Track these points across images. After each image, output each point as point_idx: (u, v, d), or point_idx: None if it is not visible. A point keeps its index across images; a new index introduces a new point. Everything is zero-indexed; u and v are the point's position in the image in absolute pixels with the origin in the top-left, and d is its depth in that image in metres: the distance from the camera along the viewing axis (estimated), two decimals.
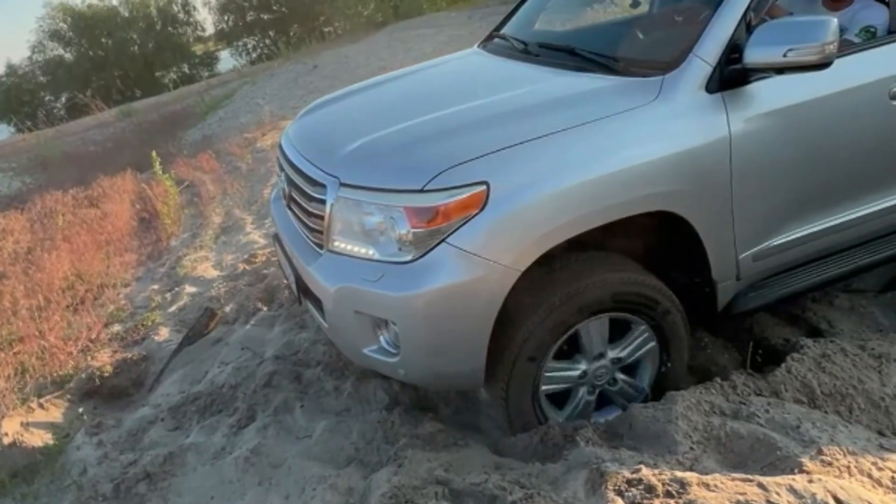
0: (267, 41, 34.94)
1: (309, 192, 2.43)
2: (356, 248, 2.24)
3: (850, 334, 2.89)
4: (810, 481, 1.78)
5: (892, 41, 2.60)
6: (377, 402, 2.80)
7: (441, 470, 2.26)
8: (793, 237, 2.57)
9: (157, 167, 7.82)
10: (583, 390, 2.46)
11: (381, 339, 2.27)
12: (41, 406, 3.48)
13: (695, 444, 2.18)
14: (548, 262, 2.21)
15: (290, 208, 2.72)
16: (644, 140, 2.22)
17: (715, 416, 2.30)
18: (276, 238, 2.91)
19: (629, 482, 1.83)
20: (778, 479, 1.80)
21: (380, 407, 2.75)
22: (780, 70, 2.22)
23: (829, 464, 1.97)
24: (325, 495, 2.27)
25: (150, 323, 4.30)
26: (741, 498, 1.73)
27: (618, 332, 2.43)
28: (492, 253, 2.06)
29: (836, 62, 2.36)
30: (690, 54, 2.31)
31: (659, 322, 2.39)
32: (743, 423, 2.23)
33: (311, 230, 2.43)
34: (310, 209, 2.42)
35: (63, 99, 36.86)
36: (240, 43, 36.42)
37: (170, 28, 38.92)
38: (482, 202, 2.06)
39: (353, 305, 2.22)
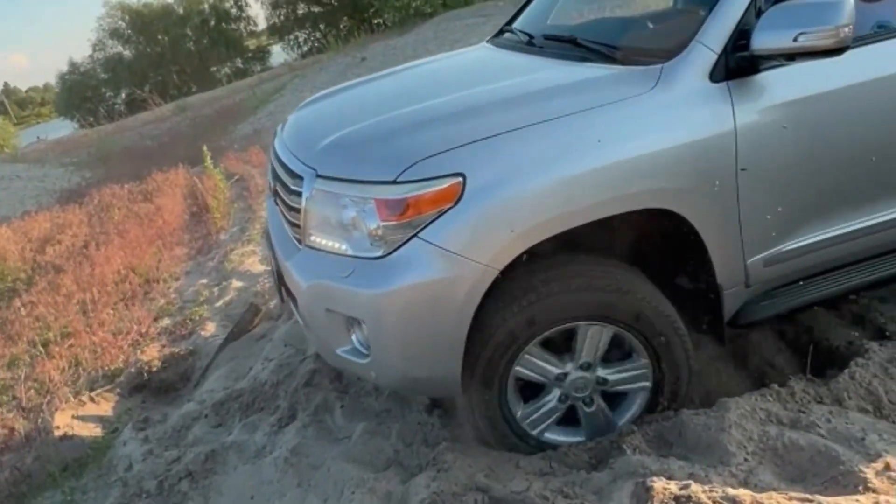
0: (317, 34, 35.27)
1: (289, 184, 2.36)
2: (331, 244, 2.16)
3: None
4: (877, 502, 1.65)
5: None
6: (418, 404, 2.75)
7: (482, 476, 2.19)
8: (810, 241, 2.36)
9: (208, 161, 7.96)
10: (555, 393, 2.31)
11: (354, 338, 2.18)
12: (92, 399, 3.57)
13: (749, 454, 2.06)
14: (532, 262, 2.10)
15: (277, 203, 2.67)
16: (637, 132, 2.07)
17: (771, 425, 2.17)
18: (266, 235, 2.86)
19: (677, 499, 1.72)
20: (840, 499, 1.68)
21: (420, 408, 2.70)
22: (791, 56, 2.05)
23: None
24: (363, 499, 2.23)
25: (197, 317, 4.36)
26: None
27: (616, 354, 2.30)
28: (467, 250, 1.94)
29: (863, 49, 2.21)
30: (693, 41, 2.15)
31: (647, 336, 2.22)
32: (802, 434, 2.10)
33: (292, 225, 2.37)
34: (289, 202, 2.35)
35: (123, 95, 38.13)
36: (291, 37, 36.84)
37: (223, 24, 39.76)
38: (457, 195, 1.94)
39: (325, 303, 2.14)
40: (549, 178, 1.98)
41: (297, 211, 2.25)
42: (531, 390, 2.32)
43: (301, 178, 2.26)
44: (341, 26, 33.30)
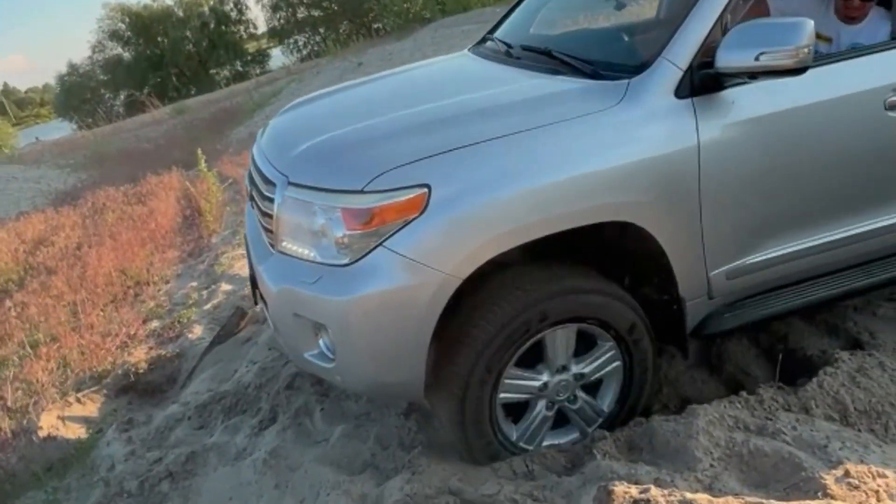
0: (317, 38, 35.33)
1: (263, 190, 2.41)
2: (300, 250, 2.20)
3: (892, 347, 2.74)
4: None
5: (889, 48, 2.42)
6: (396, 407, 2.79)
7: (455, 479, 2.23)
8: (772, 255, 2.41)
9: (203, 164, 7.99)
10: (541, 404, 2.35)
11: (320, 343, 2.23)
12: (78, 400, 3.59)
13: (715, 460, 2.10)
14: (501, 271, 2.15)
15: (253, 208, 2.72)
16: (602, 146, 2.12)
17: (738, 432, 2.21)
18: (245, 239, 2.91)
19: (636, 502, 1.77)
20: (795, 503, 1.72)
21: (398, 412, 2.74)
22: (753, 75, 2.10)
23: (856, 487, 1.87)
24: (338, 501, 2.27)
25: (185, 320, 4.39)
26: None
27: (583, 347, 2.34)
28: (430, 259, 1.98)
29: (827, 69, 2.27)
30: (660, 57, 2.20)
31: (621, 335, 2.29)
32: (768, 440, 2.14)
33: (266, 230, 2.41)
34: (263, 208, 2.40)
35: (122, 96, 38.14)
36: (291, 40, 36.90)
37: (223, 26, 39.77)
38: (422, 205, 1.98)
39: (293, 308, 2.19)
40: (512, 190, 2.02)
41: (271, 216, 2.30)
42: (518, 411, 2.36)
43: (274, 184, 2.31)
44: (341, 30, 33.36)
